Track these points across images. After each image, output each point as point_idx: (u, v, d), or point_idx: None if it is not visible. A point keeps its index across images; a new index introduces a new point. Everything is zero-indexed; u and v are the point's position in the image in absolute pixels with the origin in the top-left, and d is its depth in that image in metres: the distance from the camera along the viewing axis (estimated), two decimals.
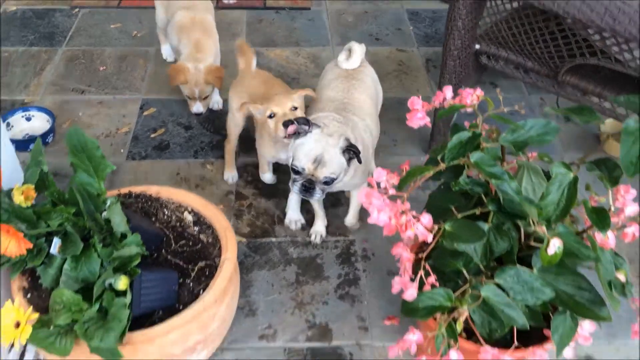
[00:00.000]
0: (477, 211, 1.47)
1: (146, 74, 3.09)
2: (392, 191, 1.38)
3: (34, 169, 1.52)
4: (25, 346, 1.74)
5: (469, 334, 1.52)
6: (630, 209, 1.53)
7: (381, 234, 2.29)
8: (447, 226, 1.40)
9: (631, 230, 1.54)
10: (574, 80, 2.15)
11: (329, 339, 1.97)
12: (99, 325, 1.41)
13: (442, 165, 1.39)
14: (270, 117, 2.07)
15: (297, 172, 1.88)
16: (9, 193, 1.46)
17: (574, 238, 1.37)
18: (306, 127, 1.86)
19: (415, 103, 1.46)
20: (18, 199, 1.42)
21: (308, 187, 1.88)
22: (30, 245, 1.39)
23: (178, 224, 1.82)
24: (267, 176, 2.42)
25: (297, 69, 3.20)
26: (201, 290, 1.64)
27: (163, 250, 1.74)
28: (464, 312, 1.31)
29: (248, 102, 2.18)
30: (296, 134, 1.88)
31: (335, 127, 1.92)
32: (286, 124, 1.89)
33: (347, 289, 2.14)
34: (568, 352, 1.49)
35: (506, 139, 1.44)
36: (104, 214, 1.56)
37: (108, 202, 1.57)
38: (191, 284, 1.67)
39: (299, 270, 2.19)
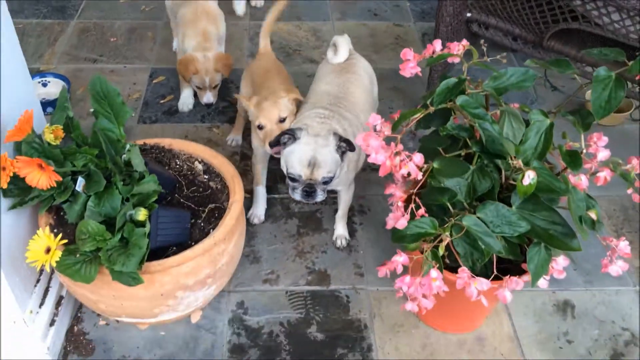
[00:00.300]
0: (463, 152, 1.63)
1: (155, 45, 3.24)
2: (387, 132, 1.53)
3: (61, 113, 1.67)
4: (47, 289, 1.90)
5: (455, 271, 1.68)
6: (602, 154, 1.70)
7: (376, 191, 2.47)
8: (435, 164, 1.55)
9: (603, 174, 1.71)
10: (558, 45, 2.30)
11: (327, 283, 2.13)
12: (120, 252, 1.57)
13: (431, 109, 1.54)
14: (260, 128, 2.14)
15: (294, 180, 1.91)
16: (39, 135, 1.61)
17: (547, 172, 1.52)
18: (292, 137, 1.89)
19: (408, 54, 1.61)
20: (48, 137, 1.57)
21: (309, 192, 1.91)
22: (60, 179, 1.54)
23: (189, 172, 1.98)
24: (260, 192, 2.33)
25: (299, 42, 3.34)
26: (211, 229, 1.79)
27: (176, 195, 1.89)
28: (446, 238, 1.47)
29: (241, 96, 2.28)
30: (283, 144, 1.91)
31: (320, 126, 1.93)
32: (272, 144, 1.94)
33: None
34: (543, 282, 1.65)
35: (489, 85, 1.59)
36: (124, 157, 1.71)
37: (127, 147, 1.72)
38: (202, 224, 1.82)
39: (300, 223, 2.35)
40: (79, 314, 1.99)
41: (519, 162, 1.47)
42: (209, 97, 2.72)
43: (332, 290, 2.12)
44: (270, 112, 2.11)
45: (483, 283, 1.44)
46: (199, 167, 1.99)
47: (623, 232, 2.37)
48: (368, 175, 2.52)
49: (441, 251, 1.47)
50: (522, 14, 2.33)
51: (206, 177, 1.97)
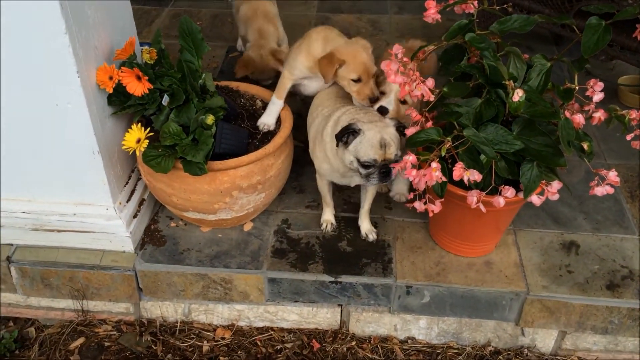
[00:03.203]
0: (471, 84, 1.97)
1: (233, 28, 3.75)
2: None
3: (155, 45, 2.15)
4: (133, 190, 2.37)
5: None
6: (597, 97, 1.99)
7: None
8: (445, 88, 1.91)
9: (597, 114, 2.00)
10: (581, 23, 2.58)
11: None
12: (192, 147, 2.01)
13: (444, 43, 1.91)
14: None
15: (368, 167, 1.97)
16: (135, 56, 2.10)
17: (537, 95, 1.84)
18: (353, 131, 1.96)
19: (430, 3, 1.99)
20: (145, 56, 2.06)
21: (386, 172, 1.96)
22: (151, 86, 2.01)
23: (251, 107, 2.41)
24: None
25: (358, 30, 3.77)
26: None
27: (239, 122, 2.33)
28: (448, 142, 1.81)
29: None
30: (346, 142, 1.98)
31: (366, 116, 2.04)
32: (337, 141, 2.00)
33: None
34: (536, 199, 1.94)
35: (495, 27, 1.94)
36: (200, 82, 2.17)
37: (203, 75, 2.18)
38: (257, 143, 2.25)
39: None
40: (155, 217, 2.45)
41: (510, 83, 1.80)
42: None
43: None
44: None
45: (474, 173, 1.75)
46: (259, 104, 2.43)
47: (637, 194, 2.59)
48: None
49: (443, 152, 1.81)
50: None
51: (263, 112, 2.40)
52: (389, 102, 2.17)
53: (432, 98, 1.91)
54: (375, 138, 1.94)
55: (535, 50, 3.44)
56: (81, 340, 2.36)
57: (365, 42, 2.25)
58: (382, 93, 2.20)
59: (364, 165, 1.97)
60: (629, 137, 2.00)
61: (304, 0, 4.09)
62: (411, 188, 2.03)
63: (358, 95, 2.17)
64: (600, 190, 1.92)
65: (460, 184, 1.94)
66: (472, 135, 1.83)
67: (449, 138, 1.82)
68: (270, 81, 3.00)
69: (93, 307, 2.41)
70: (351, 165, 2.02)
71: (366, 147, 1.95)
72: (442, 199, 1.94)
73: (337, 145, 2.02)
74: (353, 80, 2.16)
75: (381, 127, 1.98)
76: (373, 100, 2.17)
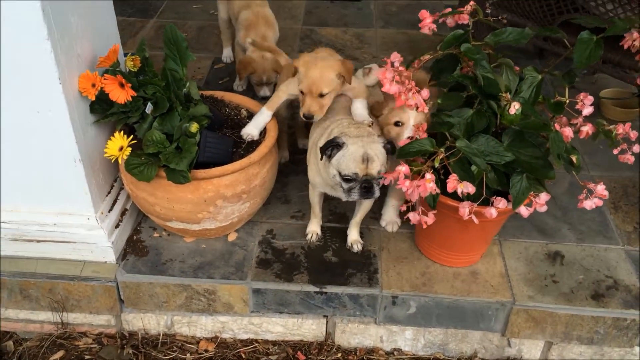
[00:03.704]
0: (464, 94, 1.98)
1: (218, 40, 3.75)
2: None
3: (139, 53, 2.14)
4: (115, 200, 2.34)
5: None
6: (587, 110, 2.01)
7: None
8: (439, 99, 1.92)
9: (585, 128, 2.02)
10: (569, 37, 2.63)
11: (345, 222, 2.47)
12: (175, 155, 1.99)
13: (439, 53, 1.92)
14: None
15: (350, 181, 1.94)
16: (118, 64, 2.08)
17: (530, 107, 1.85)
18: (337, 145, 1.94)
19: (425, 14, 2.01)
20: (129, 64, 2.04)
21: (368, 187, 1.93)
22: (135, 94, 1.99)
23: (236, 117, 2.40)
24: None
25: (343, 44, 3.79)
26: None
27: (224, 130, 2.31)
28: (441, 153, 1.80)
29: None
30: (328, 157, 1.96)
31: (357, 130, 2.01)
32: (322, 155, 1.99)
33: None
34: (524, 210, 1.93)
35: (490, 39, 1.95)
36: (184, 91, 2.16)
37: (187, 83, 2.16)
38: (242, 152, 2.23)
39: None
40: (138, 227, 2.41)
41: (507, 95, 1.81)
42: (265, 91, 3.07)
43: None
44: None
45: (468, 186, 1.75)
46: (244, 113, 2.42)
47: (620, 205, 2.61)
48: None
49: (436, 163, 1.81)
50: (532, 8, 2.69)
51: (248, 121, 2.38)
52: (408, 132, 2.06)
53: (426, 109, 1.92)
54: (358, 152, 1.91)
55: (519, 63, 3.45)
56: (61, 353, 2.31)
57: (334, 63, 2.15)
58: (399, 124, 2.11)
59: (345, 179, 1.95)
60: (615, 151, 2.01)
61: (290, 14, 4.10)
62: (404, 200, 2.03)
63: (302, 108, 2.16)
64: (589, 204, 1.93)
65: (450, 194, 1.94)
66: (465, 146, 1.83)
67: (442, 149, 1.82)
68: (273, 83, 3.03)
69: (73, 320, 2.36)
70: (334, 179, 2.00)
71: (348, 160, 1.92)
72: (435, 211, 1.93)
73: (321, 159, 2.01)
74: (301, 92, 2.16)
75: (366, 142, 1.94)
76: (307, 117, 2.14)
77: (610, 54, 2.81)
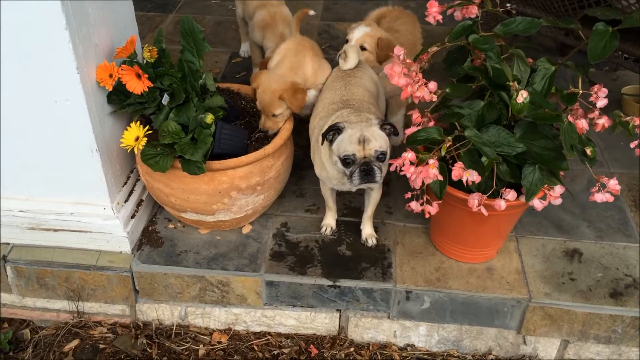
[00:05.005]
0: (474, 85, 1.95)
1: (236, 35, 3.76)
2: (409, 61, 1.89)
3: (156, 44, 2.15)
4: (131, 191, 2.35)
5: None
6: (601, 102, 1.98)
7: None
8: (447, 89, 1.89)
9: (601, 121, 1.98)
10: (586, 31, 2.58)
11: (360, 216, 2.45)
12: (191, 146, 1.99)
13: (447, 44, 1.90)
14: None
15: (349, 163, 1.94)
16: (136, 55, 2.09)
17: (542, 98, 1.82)
18: (338, 130, 1.96)
19: (433, 4, 1.99)
20: (146, 54, 2.05)
21: (367, 170, 1.92)
22: (151, 85, 2.00)
23: (252, 110, 2.40)
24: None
25: None
26: None
27: (239, 122, 2.32)
28: (448, 142, 1.78)
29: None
30: (329, 141, 1.99)
31: (357, 118, 2.01)
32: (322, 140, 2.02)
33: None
34: (537, 203, 1.91)
35: (499, 29, 1.92)
36: (200, 82, 2.16)
37: (204, 75, 2.17)
38: (257, 144, 2.23)
39: None
40: (153, 219, 2.43)
41: (514, 84, 1.78)
42: None
43: None
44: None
45: (474, 174, 1.73)
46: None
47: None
48: None
49: (443, 152, 1.79)
50: (553, 1, 2.64)
51: None
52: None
53: (434, 98, 1.90)
54: (355, 135, 1.92)
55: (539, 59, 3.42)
56: (76, 342, 2.33)
57: (281, 86, 2.27)
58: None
59: (345, 161, 1.94)
60: (633, 145, 1.98)
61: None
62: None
63: (260, 122, 2.32)
64: (600, 197, 1.90)
65: (461, 187, 1.92)
66: (474, 136, 1.81)
67: (449, 137, 1.80)
68: None
69: (89, 309, 2.38)
70: (337, 167, 2.00)
71: (345, 143, 1.93)
72: (441, 201, 1.91)
73: (322, 143, 2.03)
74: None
75: (364, 126, 1.95)
76: (263, 131, 2.29)
77: (632, 48, 2.76)
